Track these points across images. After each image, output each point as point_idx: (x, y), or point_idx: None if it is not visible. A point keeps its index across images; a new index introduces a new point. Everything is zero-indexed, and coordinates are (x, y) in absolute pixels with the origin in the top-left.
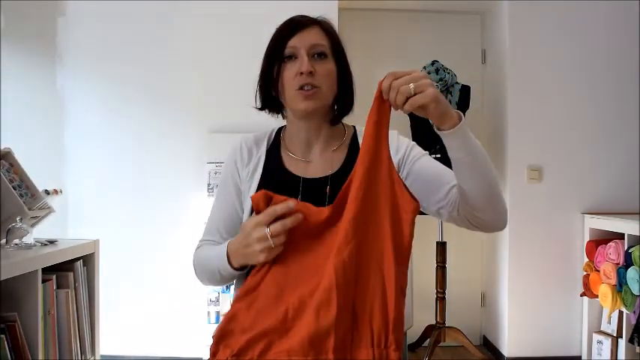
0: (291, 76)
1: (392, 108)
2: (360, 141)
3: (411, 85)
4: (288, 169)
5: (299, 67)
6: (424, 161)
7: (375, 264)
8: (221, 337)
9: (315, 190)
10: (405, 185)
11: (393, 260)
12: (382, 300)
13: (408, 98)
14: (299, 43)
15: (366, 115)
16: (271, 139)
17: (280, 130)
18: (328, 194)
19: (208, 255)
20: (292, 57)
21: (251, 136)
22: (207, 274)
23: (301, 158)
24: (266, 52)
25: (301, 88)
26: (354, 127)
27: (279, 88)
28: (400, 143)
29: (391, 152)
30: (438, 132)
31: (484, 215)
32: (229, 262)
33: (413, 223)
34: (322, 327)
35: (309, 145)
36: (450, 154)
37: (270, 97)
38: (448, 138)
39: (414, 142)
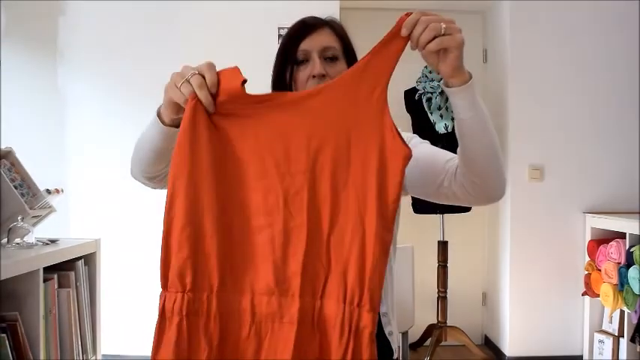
0: (303, 79)
1: (407, 47)
2: None
3: (443, 25)
4: None
5: (311, 70)
6: (421, 147)
7: (355, 211)
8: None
9: None
10: (398, 133)
11: (376, 210)
12: (360, 252)
13: (435, 37)
14: (310, 45)
15: None
16: None
17: None
18: None
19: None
20: (304, 60)
21: None
22: (141, 152)
23: None
24: (278, 55)
25: None
26: None
27: (292, 89)
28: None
29: None
30: (448, 89)
31: (486, 182)
32: (159, 117)
33: (403, 173)
34: (290, 265)
35: None
36: (458, 116)
37: None
38: (458, 95)
39: (414, 134)
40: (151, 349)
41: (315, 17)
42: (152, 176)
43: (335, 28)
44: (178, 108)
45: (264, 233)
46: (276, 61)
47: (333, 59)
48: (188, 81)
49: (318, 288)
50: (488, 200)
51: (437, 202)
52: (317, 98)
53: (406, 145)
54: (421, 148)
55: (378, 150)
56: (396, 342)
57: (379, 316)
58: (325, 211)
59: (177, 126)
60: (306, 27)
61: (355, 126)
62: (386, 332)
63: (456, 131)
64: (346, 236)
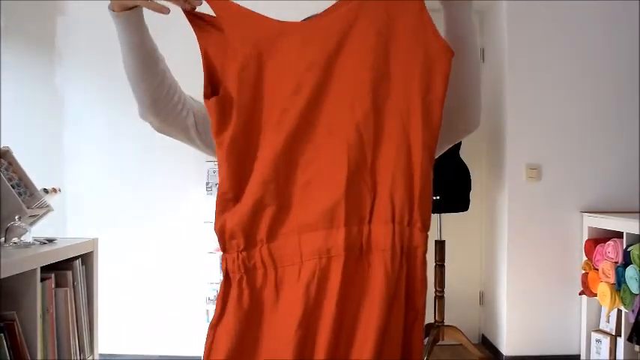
0: None
1: None
2: None
3: None
4: None
5: None
6: None
7: (399, 124)
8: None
9: None
10: (437, 30)
11: (422, 121)
12: (407, 168)
13: None
14: None
15: None
16: None
17: None
18: None
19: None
20: None
21: None
22: (128, 68)
23: None
24: None
25: None
26: None
27: None
28: None
29: None
30: (445, 1)
31: (468, 104)
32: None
33: (447, 76)
34: (332, 196)
35: None
36: (453, 32)
37: None
38: (456, 8)
39: None
40: (148, 348)
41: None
42: (155, 98)
43: None
44: None
45: (307, 168)
46: None
47: None
48: None
49: (365, 213)
50: (465, 129)
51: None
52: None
53: (448, 46)
54: None
55: (422, 56)
56: None
57: None
58: (368, 129)
59: (129, 9)
60: None
61: (394, 31)
62: None
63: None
64: (391, 152)
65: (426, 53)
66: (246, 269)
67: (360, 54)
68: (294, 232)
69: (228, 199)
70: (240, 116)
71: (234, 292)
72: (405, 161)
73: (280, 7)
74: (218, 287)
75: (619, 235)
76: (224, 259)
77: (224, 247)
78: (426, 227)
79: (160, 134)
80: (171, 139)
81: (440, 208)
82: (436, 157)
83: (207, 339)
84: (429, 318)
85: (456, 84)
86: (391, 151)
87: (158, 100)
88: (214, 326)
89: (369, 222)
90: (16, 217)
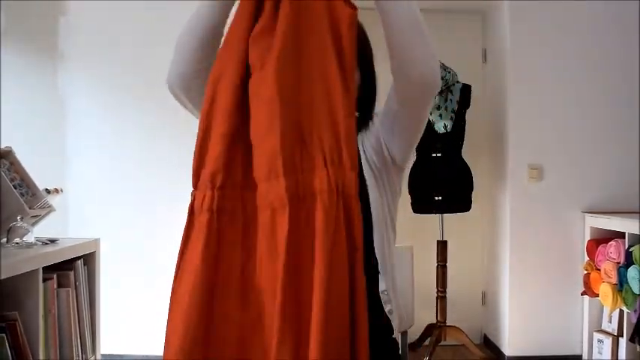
0: None
1: None
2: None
3: None
4: None
5: None
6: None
7: (319, 79)
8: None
9: None
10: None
11: (339, 76)
12: (330, 116)
13: None
14: None
15: None
16: None
17: None
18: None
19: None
20: None
21: None
22: (188, 40)
23: None
24: None
25: None
26: None
27: None
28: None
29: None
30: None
31: (414, 54)
32: None
33: (353, 34)
34: (268, 147)
35: None
36: (390, 20)
37: None
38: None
39: None
40: (150, 348)
41: None
42: (191, 78)
43: None
44: None
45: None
46: None
47: None
48: None
49: (297, 161)
50: (419, 79)
51: (413, 130)
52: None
53: (349, 5)
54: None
55: (329, 21)
56: (396, 320)
57: (378, 295)
58: (291, 79)
59: None
60: None
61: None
62: (385, 310)
63: (386, 25)
64: (313, 104)
65: (332, 18)
66: (218, 209)
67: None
68: (254, 185)
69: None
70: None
71: (200, 232)
72: (327, 111)
73: None
74: None
75: (621, 235)
76: (192, 196)
77: (196, 183)
78: (354, 166)
79: (160, 134)
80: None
81: (442, 208)
82: (416, 128)
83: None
84: (431, 318)
85: (395, 39)
86: (314, 104)
87: (197, 78)
88: (179, 260)
89: (302, 171)
90: (18, 218)
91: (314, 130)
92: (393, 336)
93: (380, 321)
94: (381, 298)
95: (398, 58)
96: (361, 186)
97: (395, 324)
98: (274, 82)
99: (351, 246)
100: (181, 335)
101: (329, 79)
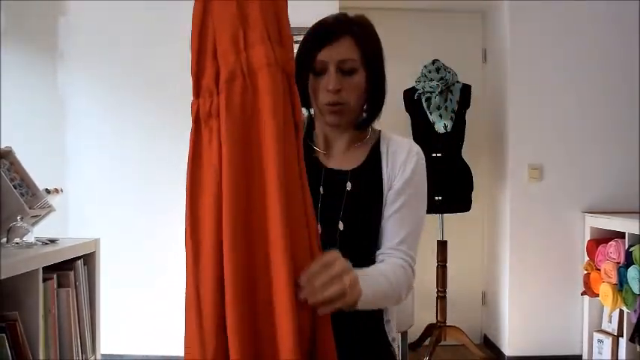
0: (319, 89)
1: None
2: (384, 146)
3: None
4: (312, 156)
5: (326, 83)
6: (394, 215)
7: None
8: None
9: (336, 183)
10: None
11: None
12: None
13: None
14: (328, 57)
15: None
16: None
17: (311, 120)
18: (349, 189)
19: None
20: (321, 71)
21: None
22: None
23: (322, 151)
24: (296, 57)
25: (329, 103)
26: (380, 131)
27: (309, 95)
28: (408, 161)
29: (394, 158)
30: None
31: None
32: None
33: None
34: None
35: (331, 143)
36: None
37: (303, 100)
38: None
39: (417, 150)
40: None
41: (338, 19)
42: None
43: (357, 35)
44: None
45: None
46: (295, 65)
47: (351, 72)
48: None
49: (240, 40)
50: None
51: None
52: None
53: None
54: (393, 215)
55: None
56: (394, 331)
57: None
58: None
59: None
60: (326, 33)
61: None
62: (383, 320)
63: None
64: None
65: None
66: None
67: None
68: None
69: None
70: None
71: (205, 136)
72: None
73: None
74: None
75: (621, 235)
76: (195, 104)
77: (198, 92)
78: (291, 46)
79: (160, 134)
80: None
81: (442, 208)
82: None
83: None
84: (431, 318)
85: None
86: None
87: None
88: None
89: (245, 48)
90: (18, 218)
91: (255, 10)
92: (392, 348)
93: (378, 333)
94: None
95: None
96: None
97: (391, 336)
98: None
99: (294, 123)
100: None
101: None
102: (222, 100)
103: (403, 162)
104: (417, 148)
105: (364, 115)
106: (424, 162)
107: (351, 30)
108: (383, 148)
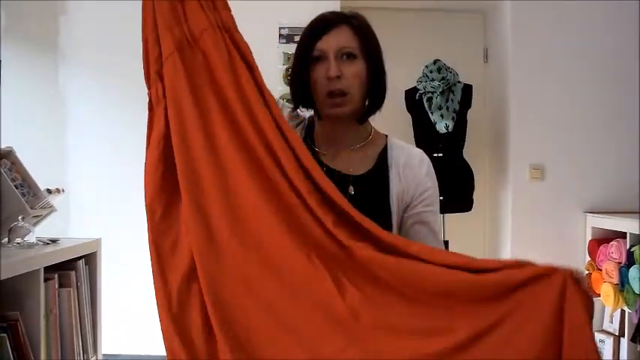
0: (319, 78)
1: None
2: (391, 155)
3: None
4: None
5: (326, 71)
6: (417, 228)
7: None
8: None
9: (337, 184)
10: None
11: None
12: None
13: None
14: (327, 45)
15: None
16: (304, 128)
17: (311, 121)
18: (352, 194)
19: None
20: (321, 59)
21: (293, 123)
22: None
23: (323, 152)
24: (295, 52)
25: (330, 93)
26: (386, 136)
27: (310, 87)
28: (421, 167)
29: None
30: None
31: None
32: None
33: None
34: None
35: (332, 142)
36: None
37: (304, 95)
38: None
39: (432, 188)
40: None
41: (335, 13)
42: None
43: (354, 25)
44: None
45: None
46: (294, 59)
47: (350, 57)
48: None
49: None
50: None
51: None
52: None
53: None
54: (416, 228)
55: None
56: None
57: None
58: None
59: None
60: (324, 24)
61: None
62: None
63: None
64: None
65: None
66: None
67: None
68: None
69: None
70: None
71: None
72: None
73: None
74: None
75: (622, 235)
76: (149, 94)
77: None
78: (227, 6)
79: None
80: None
81: (443, 208)
82: None
83: None
84: None
85: None
86: None
87: None
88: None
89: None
90: (20, 218)
91: None
92: None
93: None
94: None
95: None
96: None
97: None
98: None
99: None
100: None
101: None
102: (167, 68)
103: (422, 176)
104: (427, 158)
105: (366, 106)
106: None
107: (349, 21)
108: (391, 159)
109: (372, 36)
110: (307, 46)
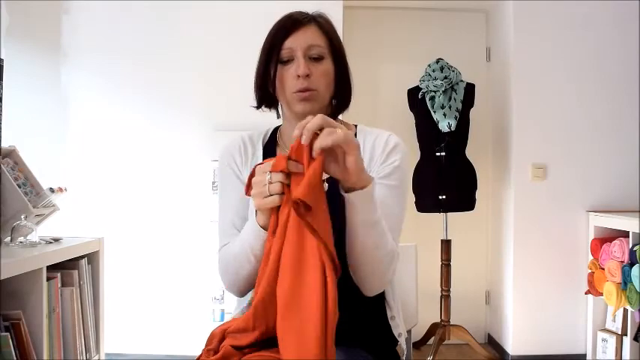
0: (288, 78)
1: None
2: (361, 139)
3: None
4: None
5: (296, 69)
6: (381, 190)
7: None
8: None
9: None
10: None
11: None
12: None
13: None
14: (295, 44)
15: (368, 112)
16: (267, 138)
17: (276, 130)
18: (326, 190)
19: (239, 240)
20: (289, 59)
21: (246, 134)
22: (235, 265)
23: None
24: (262, 50)
25: (298, 90)
26: (356, 126)
27: (276, 87)
28: (388, 143)
29: (373, 145)
30: (348, 194)
31: (363, 281)
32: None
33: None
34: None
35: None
36: (353, 217)
37: (267, 95)
38: (362, 197)
39: (400, 157)
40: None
41: (301, 12)
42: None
43: (321, 24)
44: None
45: None
46: (260, 57)
47: (319, 59)
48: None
49: None
50: (363, 291)
51: None
52: None
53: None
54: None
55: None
56: (400, 326)
57: (384, 304)
58: None
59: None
60: (291, 23)
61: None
62: (388, 316)
63: (351, 233)
64: None
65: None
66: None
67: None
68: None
69: None
70: None
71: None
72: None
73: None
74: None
75: (625, 234)
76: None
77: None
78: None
79: (163, 133)
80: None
81: (446, 207)
82: None
83: None
84: (435, 317)
85: (352, 260)
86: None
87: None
88: None
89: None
90: (22, 217)
91: None
92: (395, 347)
93: (382, 330)
94: (385, 306)
95: (354, 275)
96: None
97: (397, 331)
98: None
99: None
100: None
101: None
102: None
103: (389, 152)
104: (397, 138)
105: (333, 105)
106: (408, 153)
107: (316, 20)
108: (360, 144)
109: (337, 36)
110: (275, 44)
